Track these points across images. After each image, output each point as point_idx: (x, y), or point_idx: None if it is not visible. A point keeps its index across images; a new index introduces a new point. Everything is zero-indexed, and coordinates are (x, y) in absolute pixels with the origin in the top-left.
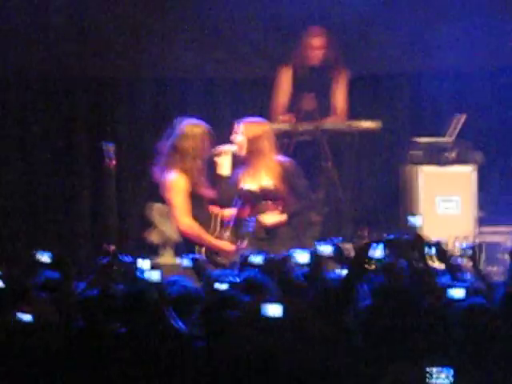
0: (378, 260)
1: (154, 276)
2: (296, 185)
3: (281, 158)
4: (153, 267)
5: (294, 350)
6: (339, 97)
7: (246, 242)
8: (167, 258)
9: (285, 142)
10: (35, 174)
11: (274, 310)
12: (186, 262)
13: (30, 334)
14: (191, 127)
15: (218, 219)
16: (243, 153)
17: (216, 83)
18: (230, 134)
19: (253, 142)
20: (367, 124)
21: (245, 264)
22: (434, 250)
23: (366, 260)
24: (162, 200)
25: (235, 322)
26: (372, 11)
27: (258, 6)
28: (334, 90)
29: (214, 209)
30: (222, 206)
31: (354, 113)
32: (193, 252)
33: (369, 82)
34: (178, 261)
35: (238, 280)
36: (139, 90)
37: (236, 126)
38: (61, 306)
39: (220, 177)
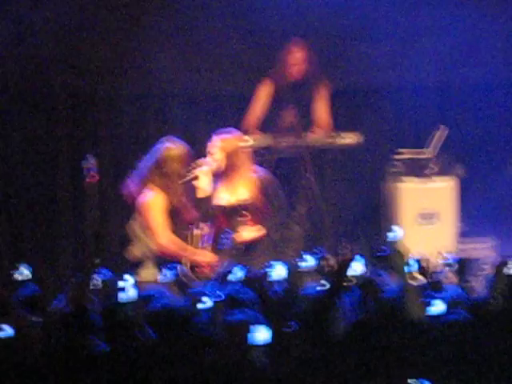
0: (359, 276)
1: (131, 293)
2: (273, 197)
3: (257, 170)
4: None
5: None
6: (322, 110)
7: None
8: (149, 272)
9: (266, 157)
10: (16, 189)
11: (262, 335)
12: (168, 274)
13: (11, 348)
14: (171, 150)
15: (197, 238)
16: (221, 168)
17: (197, 98)
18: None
19: (230, 157)
20: (349, 138)
21: (227, 278)
22: (415, 265)
23: (347, 275)
24: None
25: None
26: (353, 24)
27: (238, 20)
28: (316, 103)
29: (194, 228)
30: (203, 220)
31: (335, 126)
32: (178, 264)
33: (350, 95)
34: (159, 276)
35: (222, 297)
36: (121, 105)
37: (212, 138)
38: (40, 321)
39: (201, 198)
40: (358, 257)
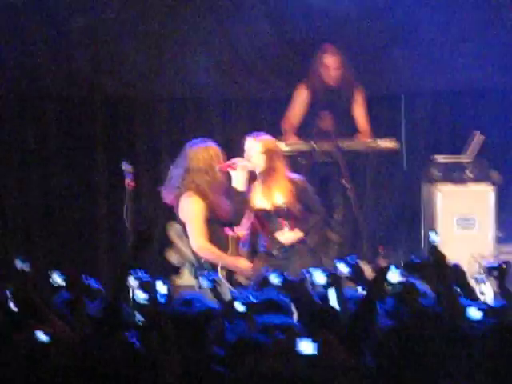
0: (397, 284)
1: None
2: (309, 203)
3: (292, 175)
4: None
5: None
6: (360, 117)
7: (262, 262)
8: (186, 278)
9: (302, 162)
10: (53, 193)
11: (306, 347)
12: (204, 283)
13: (47, 353)
14: (201, 149)
15: (234, 241)
16: (259, 170)
17: (232, 103)
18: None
19: (268, 160)
20: (385, 144)
21: (264, 284)
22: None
23: (385, 283)
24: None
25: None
26: (389, 30)
27: (273, 25)
28: (353, 110)
29: (229, 232)
30: (236, 220)
31: (372, 132)
32: (214, 273)
33: (387, 101)
34: (195, 282)
35: (255, 301)
36: (156, 109)
37: (249, 140)
38: (75, 325)
39: (235, 191)
40: (393, 266)
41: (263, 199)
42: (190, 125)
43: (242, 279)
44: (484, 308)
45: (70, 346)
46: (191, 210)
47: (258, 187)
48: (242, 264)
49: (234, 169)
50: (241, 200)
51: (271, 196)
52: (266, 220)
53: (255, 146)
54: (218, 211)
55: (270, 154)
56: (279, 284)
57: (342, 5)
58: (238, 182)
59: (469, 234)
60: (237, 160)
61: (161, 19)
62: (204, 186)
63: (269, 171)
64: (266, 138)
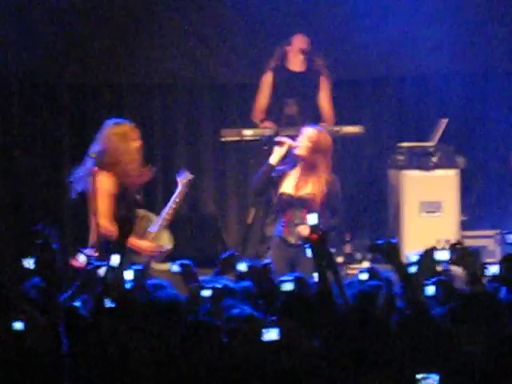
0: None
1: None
2: (335, 203)
3: (330, 174)
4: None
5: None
6: (324, 103)
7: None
8: (159, 263)
9: (267, 148)
10: (24, 182)
11: (271, 335)
12: (175, 267)
13: (23, 340)
14: (114, 127)
15: (144, 220)
16: (302, 154)
17: (199, 88)
18: (215, 140)
19: (314, 151)
20: (350, 129)
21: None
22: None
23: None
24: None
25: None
26: (354, 15)
27: (242, 12)
28: (318, 96)
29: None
30: (255, 189)
31: (337, 118)
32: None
33: (352, 86)
34: (166, 265)
35: (219, 286)
36: (122, 96)
37: (306, 127)
38: (48, 313)
39: (269, 163)
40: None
41: (294, 186)
42: (156, 110)
43: None
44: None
45: (43, 333)
46: (100, 188)
47: (295, 173)
48: (144, 245)
49: (281, 146)
50: (268, 173)
51: (303, 186)
52: (289, 207)
53: (308, 134)
54: (131, 188)
55: (317, 146)
56: (245, 270)
57: None
58: (275, 156)
59: (434, 219)
60: (286, 140)
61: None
62: (118, 168)
63: (311, 162)
64: (320, 131)
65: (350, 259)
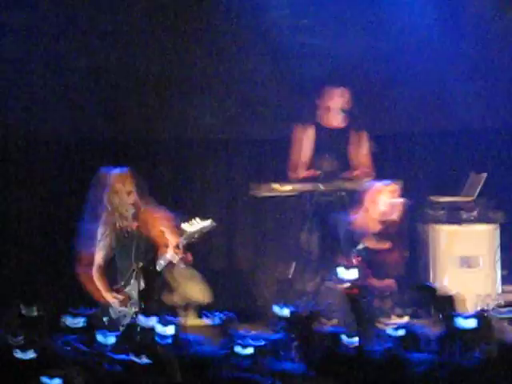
0: None
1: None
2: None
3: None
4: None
5: None
6: (362, 157)
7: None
8: (190, 319)
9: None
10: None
11: None
12: (215, 320)
13: None
14: (114, 178)
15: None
16: (391, 216)
17: (234, 144)
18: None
19: (367, 200)
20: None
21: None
22: None
23: None
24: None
25: None
26: (390, 70)
27: (276, 66)
28: (356, 151)
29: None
30: None
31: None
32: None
33: (387, 141)
34: (202, 321)
35: (262, 343)
36: (160, 151)
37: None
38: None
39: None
40: None
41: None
42: (193, 166)
43: None
44: None
45: None
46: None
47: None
48: (109, 298)
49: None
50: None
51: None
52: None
53: (388, 192)
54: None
55: (368, 196)
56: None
57: (344, 46)
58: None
59: (473, 274)
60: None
61: (163, 62)
62: (116, 219)
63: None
64: (379, 185)
65: (389, 314)
